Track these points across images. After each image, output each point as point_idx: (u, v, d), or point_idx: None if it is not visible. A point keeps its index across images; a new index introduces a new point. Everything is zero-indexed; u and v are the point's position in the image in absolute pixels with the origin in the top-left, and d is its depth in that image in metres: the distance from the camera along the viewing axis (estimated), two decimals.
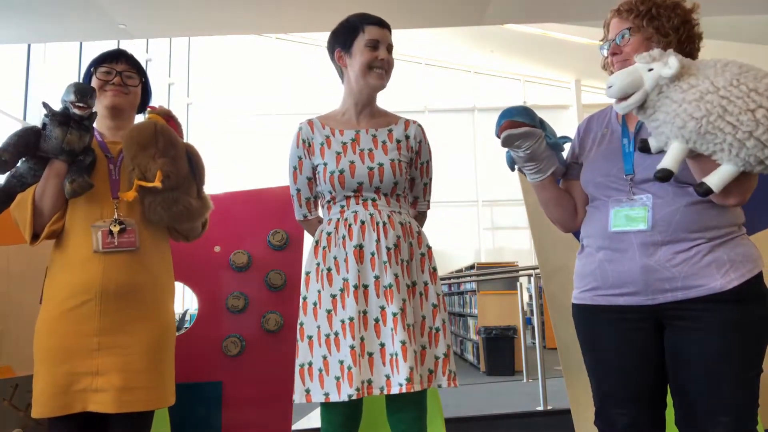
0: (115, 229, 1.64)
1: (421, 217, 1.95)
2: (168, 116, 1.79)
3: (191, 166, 1.77)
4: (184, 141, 1.82)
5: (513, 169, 1.66)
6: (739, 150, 1.25)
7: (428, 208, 1.96)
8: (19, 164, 1.65)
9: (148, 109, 1.82)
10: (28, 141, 1.61)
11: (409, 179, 1.88)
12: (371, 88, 1.81)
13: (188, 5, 6.67)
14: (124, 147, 1.69)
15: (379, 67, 1.79)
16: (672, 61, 1.30)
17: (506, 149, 1.56)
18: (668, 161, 1.31)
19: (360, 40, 1.79)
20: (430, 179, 1.93)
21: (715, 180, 1.31)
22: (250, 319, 2.23)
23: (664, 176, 1.31)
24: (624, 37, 1.51)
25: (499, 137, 1.50)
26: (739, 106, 1.24)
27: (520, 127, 1.47)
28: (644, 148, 1.41)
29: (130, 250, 1.65)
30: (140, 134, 1.68)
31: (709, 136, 1.27)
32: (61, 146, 1.60)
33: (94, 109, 1.65)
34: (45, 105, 1.65)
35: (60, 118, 1.61)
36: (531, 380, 5.05)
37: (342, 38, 1.83)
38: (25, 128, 1.64)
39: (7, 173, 1.66)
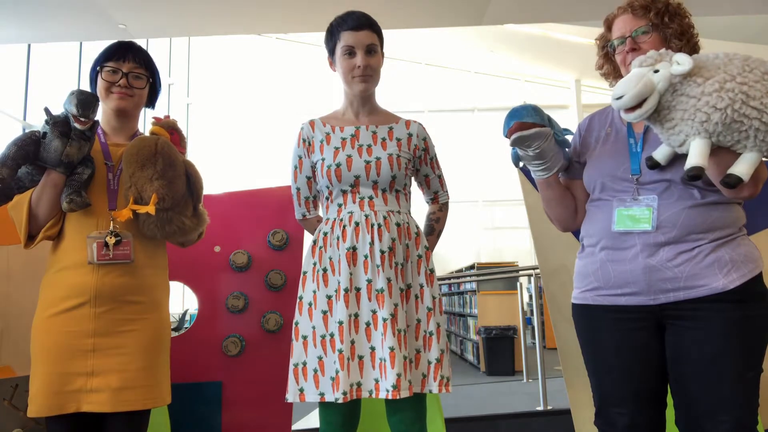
0: (111, 240, 1.63)
1: (445, 209, 1.95)
2: (172, 128, 1.78)
3: (189, 184, 1.76)
4: (185, 155, 1.80)
5: (517, 165, 1.66)
6: (765, 134, 1.24)
7: (449, 197, 1.96)
8: None
9: (153, 120, 1.79)
10: (27, 152, 1.58)
11: (424, 177, 1.90)
12: (357, 93, 1.81)
13: (188, 5, 6.66)
14: (124, 163, 1.68)
15: (359, 75, 1.77)
16: (683, 58, 1.28)
17: (512, 147, 1.55)
18: (696, 159, 1.26)
19: (338, 48, 1.79)
20: (442, 171, 1.94)
21: (741, 169, 1.27)
22: (250, 319, 2.22)
23: (697, 174, 1.25)
24: (644, 33, 1.48)
25: (508, 138, 1.48)
26: (759, 89, 1.23)
27: (531, 128, 1.46)
28: (653, 165, 1.40)
29: (125, 262, 1.65)
30: (140, 153, 1.67)
31: (735, 125, 1.25)
32: (60, 159, 1.59)
33: (96, 118, 1.62)
34: (46, 111, 1.61)
35: (61, 128, 1.58)
36: (531, 380, 5.04)
37: (327, 45, 1.85)
38: (24, 136, 1.60)
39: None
